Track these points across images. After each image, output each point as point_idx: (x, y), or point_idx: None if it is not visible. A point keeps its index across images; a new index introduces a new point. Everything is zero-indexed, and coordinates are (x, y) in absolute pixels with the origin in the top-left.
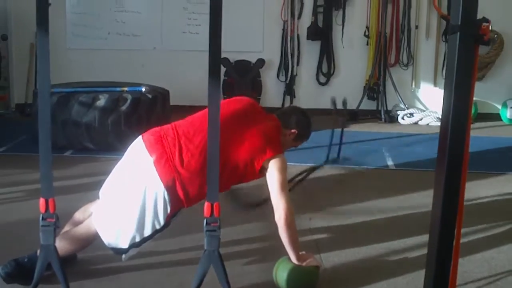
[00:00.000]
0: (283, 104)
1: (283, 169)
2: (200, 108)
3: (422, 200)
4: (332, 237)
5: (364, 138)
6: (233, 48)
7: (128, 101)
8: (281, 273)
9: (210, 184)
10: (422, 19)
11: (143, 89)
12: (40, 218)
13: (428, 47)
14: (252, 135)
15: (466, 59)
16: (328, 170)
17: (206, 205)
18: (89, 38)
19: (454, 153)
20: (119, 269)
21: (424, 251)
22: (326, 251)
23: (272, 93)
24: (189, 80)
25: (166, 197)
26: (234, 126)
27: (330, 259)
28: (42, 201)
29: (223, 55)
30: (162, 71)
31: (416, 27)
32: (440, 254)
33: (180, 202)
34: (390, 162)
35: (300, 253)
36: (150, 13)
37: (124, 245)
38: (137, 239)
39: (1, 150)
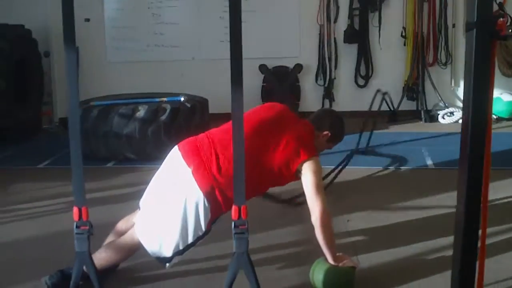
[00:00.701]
0: (322, 107)
1: (317, 171)
2: None
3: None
4: (370, 238)
5: (404, 138)
6: (271, 54)
7: (167, 111)
8: (317, 275)
9: (236, 187)
10: (459, 18)
11: (182, 99)
12: (74, 226)
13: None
14: (286, 139)
15: (483, 55)
16: (364, 171)
17: (234, 208)
18: (128, 50)
19: (475, 150)
20: (159, 276)
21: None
22: (364, 252)
23: (311, 98)
24: (227, 88)
25: (207, 205)
26: (268, 131)
27: (367, 259)
28: (75, 209)
29: (261, 62)
30: (201, 80)
31: (453, 25)
32: (464, 254)
33: (220, 208)
34: (429, 162)
35: (336, 254)
36: (188, 23)
37: (168, 253)
38: (181, 247)
39: (45, 163)
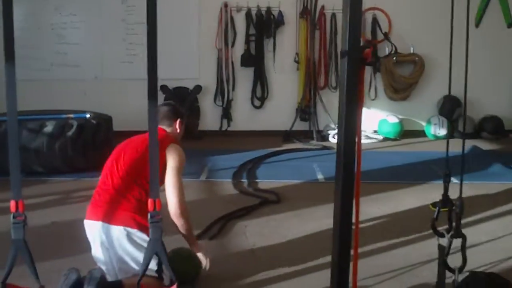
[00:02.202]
0: (220, 127)
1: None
2: (140, 132)
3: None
4: (265, 242)
5: (296, 156)
6: (171, 75)
7: (74, 127)
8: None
9: (152, 182)
10: None
11: (88, 115)
12: (11, 217)
13: None
14: None
15: (353, 77)
16: (267, 185)
17: (149, 201)
18: (31, 69)
19: (347, 168)
20: None
21: None
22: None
23: (210, 117)
24: (129, 106)
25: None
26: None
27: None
28: (12, 202)
29: (162, 83)
30: (103, 99)
31: None
32: (340, 256)
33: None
34: (320, 176)
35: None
36: (90, 44)
37: None
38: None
39: None
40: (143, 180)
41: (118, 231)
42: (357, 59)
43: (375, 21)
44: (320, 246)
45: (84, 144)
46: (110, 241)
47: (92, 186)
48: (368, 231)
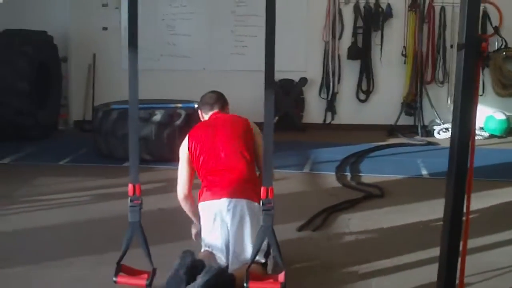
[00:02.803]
0: (324, 120)
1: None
2: None
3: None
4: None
5: (400, 151)
6: (278, 67)
7: (182, 116)
8: None
9: (265, 170)
10: (456, 39)
11: (196, 105)
12: (129, 200)
13: None
14: None
15: (470, 71)
16: (370, 179)
17: (262, 189)
18: (142, 59)
19: (461, 161)
20: None
21: None
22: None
23: (314, 110)
24: (236, 97)
25: None
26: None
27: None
28: (130, 186)
29: None
30: (210, 89)
31: (451, 46)
32: (450, 246)
33: None
34: (424, 172)
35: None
36: (200, 36)
37: None
38: None
39: (65, 161)
40: (253, 159)
41: (243, 205)
42: (474, 52)
43: (485, 15)
44: (422, 241)
45: None
46: (234, 215)
47: None
48: (474, 227)
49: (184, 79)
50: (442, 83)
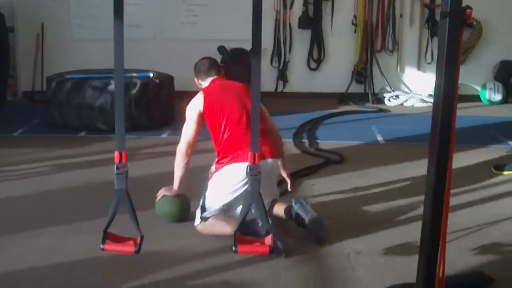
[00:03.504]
0: (276, 88)
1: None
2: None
3: (414, 170)
4: (335, 198)
5: (354, 118)
6: (229, 36)
7: (138, 85)
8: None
9: (253, 137)
10: (406, 9)
11: (151, 75)
12: (115, 168)
13: (411, 34)
14: None
15: (455, 39)
16: (327, 146)
17: (250, 154)
18: (93, 29)
19: (444, 125)
20: None
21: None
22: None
23: (266, 79)
24: (187, 67)
25: None
26: None
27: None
28: (116, 153)
29: (219, 43)
30: (163, 59)
31: (401, 15)
32: (433, 208)
33: None
34: (380, 138)
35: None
36: (150, 4)
37: None
38: None
39: (19, 132)
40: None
41: (273, 163)
42: (459, 20)
43: None
44: (388, 203)
45: (147, 102)
46: (265, 175)
47: (155, 144)
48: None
49: (135, 48)
50: (391, 51)
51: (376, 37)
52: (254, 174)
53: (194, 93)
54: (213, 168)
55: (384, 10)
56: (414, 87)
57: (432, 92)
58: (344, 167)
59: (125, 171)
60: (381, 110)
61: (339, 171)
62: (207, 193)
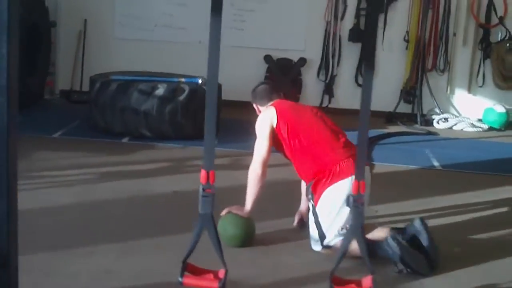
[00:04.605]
0: (321, 103)
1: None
2: (242, 102)
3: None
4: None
5: (405, 139)
6: (277, 46)
7: (186, 92)
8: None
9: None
10: (460, 27)
11: (200, 81)
12: (200, 189)
13: (464, 55)
14: None
15: None
16: (382, 168)
17: (354, 183)
18: (136, 28)
19: None
20: None
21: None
22: None
23: (311, 92)
24: (231, 75)
25: None
26: None
27: None
28: (203, 173)
29: (266, 52)
30: (206, 65)
31: (454, 34)
32: None
33: None
34: (436, 163)
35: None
36: (197, 6)
37: None
38: None
39: (59, 133)
40: None
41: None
42: None
43: (491, 3)
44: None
45: (195, 110)
46: None
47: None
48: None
49: (177, 51)
50: (442, 71)
51: (427, 55)
52: (356, 206)
53: (239, 103)
54: (308, 190)
55: (438, 27)
56: (464, 110)
57: (481, 117)
58: (406, 193)
59: (211, 194)
60: (430, 133)
61: (402, 198)
62: (320, 220)
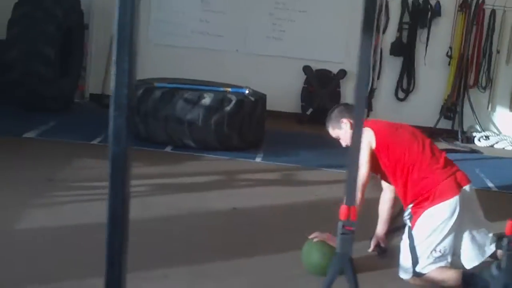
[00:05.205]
0: None
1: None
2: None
3: None
4: None
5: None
6: (316, 57)
7: (233, 102)
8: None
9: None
10: (504, 44)
11: (247, 91)
12: (340, 225)
13: (507, 72)
14: None
15: None
16: None
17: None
18: (172, 34)
19: None
20: None
21: None
22: None
23: None
24: (268, 85)
25: None
26: None
27: None
28: (344, 208)
29: (306, 63)
30: (243, 74)
31: (498, 51)
32: None
33: None
34: (490, 184)
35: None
36: (235, 14)
37: None
38: None
39: (98, 140)
40: None
41: (470, 188)
42: None
43: None
44: None
45: (241, 121)
46: (466, 203)
47: (251, 169)
48: None
49: (214, 59)
50: (484, 88)
51: (470, 72)
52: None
53: (282, 113)
54: (408, 212)
55: (481, 43)
56: (504, 129)
57: None
58: None
59: (351, 231)
60: (473, 151)
61: None
62: (415, 243)
